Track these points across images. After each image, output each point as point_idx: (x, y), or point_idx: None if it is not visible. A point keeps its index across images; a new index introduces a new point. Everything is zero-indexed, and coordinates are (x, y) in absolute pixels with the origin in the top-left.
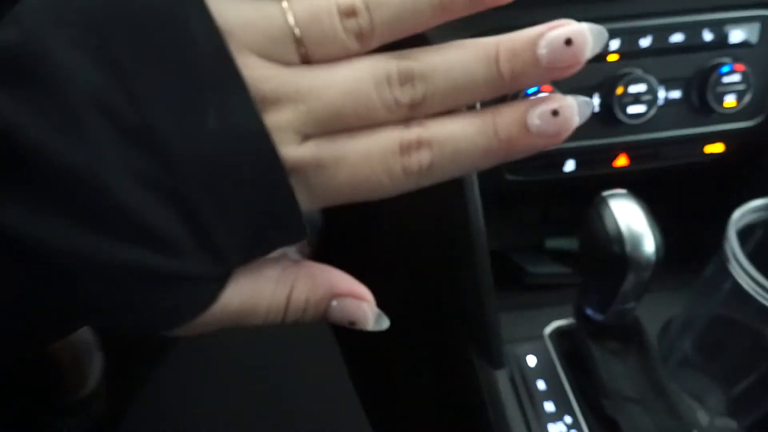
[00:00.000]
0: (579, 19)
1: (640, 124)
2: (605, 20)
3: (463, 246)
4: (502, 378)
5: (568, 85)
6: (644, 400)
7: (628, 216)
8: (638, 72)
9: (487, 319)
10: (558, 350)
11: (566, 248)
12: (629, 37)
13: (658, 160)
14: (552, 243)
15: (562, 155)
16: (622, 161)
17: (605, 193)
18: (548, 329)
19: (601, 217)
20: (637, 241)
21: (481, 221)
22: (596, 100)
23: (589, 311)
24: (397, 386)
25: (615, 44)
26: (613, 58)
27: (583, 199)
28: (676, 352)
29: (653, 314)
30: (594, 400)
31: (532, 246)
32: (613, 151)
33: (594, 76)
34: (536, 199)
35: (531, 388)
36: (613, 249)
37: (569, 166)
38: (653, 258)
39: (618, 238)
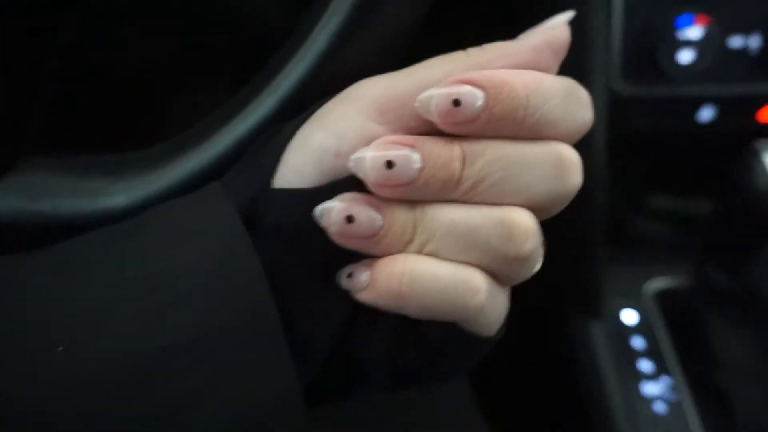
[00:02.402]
0: None
1: None
2: None
3: (582, 192)
4: (597, 331)
5: (729, 19)
6: (759, 376)
7: None
8: None
9: (592, 269)
10: (661, 310)
11: (672, 208)
12: None
13: None
14: (658, 201)
15: (701, 101)
16: None
17: (757, 143)
18: (651, 287)
19: (749, 170)
20: None
21: (603, 169)
22: (757, 41)
23: (712, 273)
24: None
25: None
26: None
27: (703, 155)
28: None
29: None
30: (700, 367)
31: (630, 202)
32: (763, 103)
33: (759, 11)
34: (644, 152)
35: (627, 345)
36: (761, 207)
37: (706, 115)
38: None
39: None
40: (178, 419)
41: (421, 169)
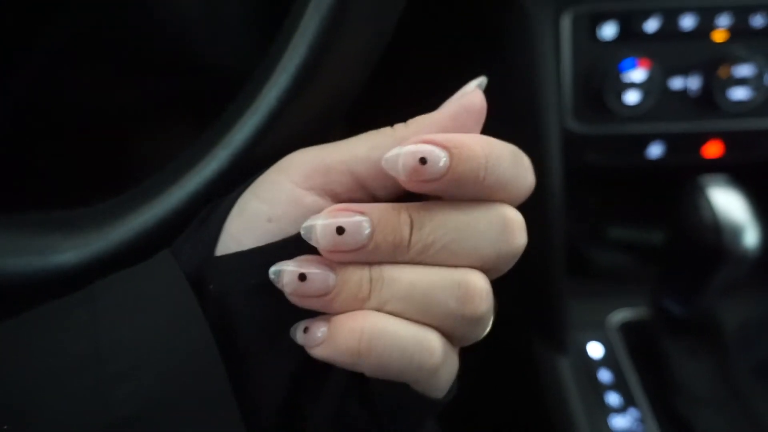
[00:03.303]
0: None
1: (742, 111)
2: None
3: (540, 227)
4: (564, 366)
5: (669, 62)
6: (719, 402)
7: (726, 204)
8: (746, 53)
9: (555, 303)
10: (625, 342)
11: (631, 239)
12: (740, 14)
13: (757, 152)
14: (616, 232)
15: (649, 139)
16: (713, 150)
17: (701, 178)
18: (614, 320)
19: (695, 204)
20: (736, 233)
21: (562, 203)
22: (696, 82)
23: (668, 303)
24: None
25: (724, 21)
26: (720, 36)
27: (655, 188)
28: (755, 355)
29: (732, 311)
30: (663, 397)
31: (589, 234)
32: (706, 139)
33: (696, 54)
34: (601, 186)
35: (595, 378)
36: (708, 240)
37: (655, 151)
38: (753, 252)
39: (714, 228)
40: None
41: (371, 234)
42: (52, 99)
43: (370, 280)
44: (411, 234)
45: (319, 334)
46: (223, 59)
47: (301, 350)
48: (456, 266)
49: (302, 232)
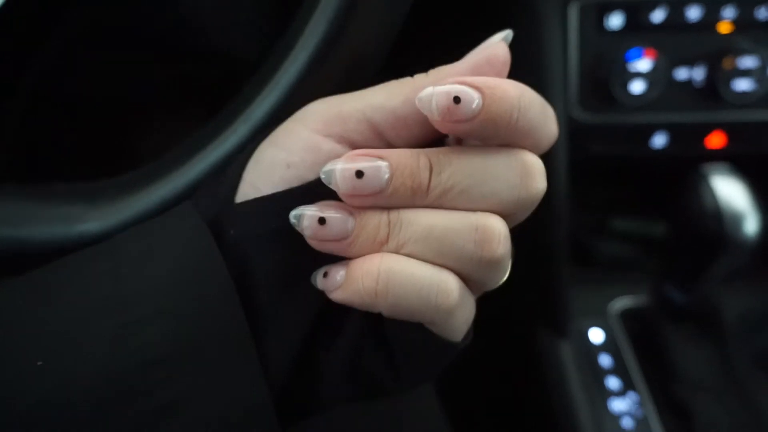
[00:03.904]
0: None
1: (745, 102)
2: None
3: (544, 216)
4: (566, 350)
5: (674, 53)
6: (717, 389)
7: (728, 192)
8: (751, 45)
9: (558, 290)
10: (625, 329)
11: (633, 231)
12: (745, 6)
13: (760, 143)
14: (619, 224)
15: (653, 128)
16: (716, 141)
17: (703, 167)
18: (615, 307)
19: (697, 192)
20: (737, 220)
21: (565, 193)
22: (700, 72)
23: (669, 291)
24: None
25: (730, 12)
26: (725, 28)
27: (657, 179)
28: (754, 344)
29: (732, 300)
30: (662, 382)
31: (592, 225)
32: (709, 130)
33: (701, 45)
34: (604, 178)
35: (595, 363)
36: (709, 227)
37: (659, 141)
38: (753, 240)
39: (716, 215)
40: None
41: (390, 179)
42: (68, 86)
43: (389, 223)
44: (430, 178)
45: (338, 278)
46: (237, 47)
47: (317, 297)
48: (475, 210)
49: (322, 176)
